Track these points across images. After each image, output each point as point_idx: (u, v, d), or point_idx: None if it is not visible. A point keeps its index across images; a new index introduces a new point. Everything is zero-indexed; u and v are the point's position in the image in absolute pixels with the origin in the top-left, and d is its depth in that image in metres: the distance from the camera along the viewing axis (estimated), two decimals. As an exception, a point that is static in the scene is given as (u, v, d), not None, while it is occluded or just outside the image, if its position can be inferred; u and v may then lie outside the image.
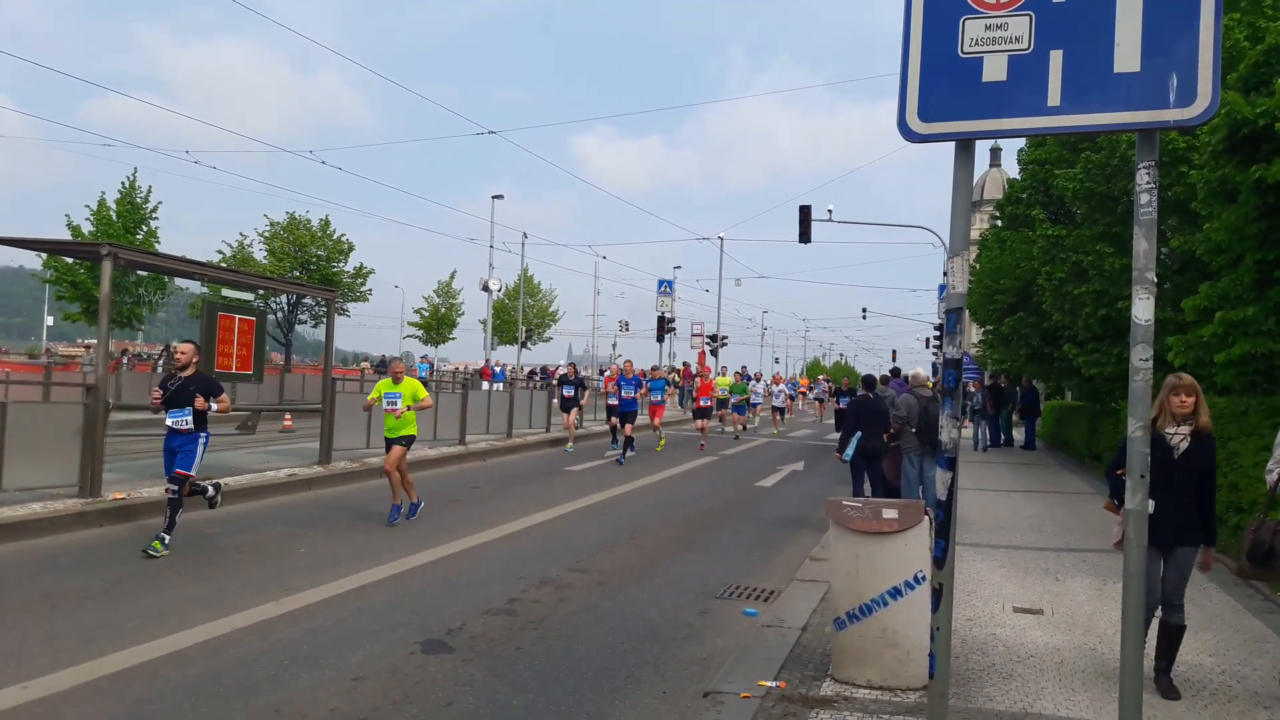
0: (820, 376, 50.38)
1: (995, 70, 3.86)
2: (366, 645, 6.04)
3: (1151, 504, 4.64)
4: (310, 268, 42.68)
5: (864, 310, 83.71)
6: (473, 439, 18.59)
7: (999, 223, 23.77)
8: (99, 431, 10.27)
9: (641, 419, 21.54)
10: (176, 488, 8.63)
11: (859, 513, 5.44)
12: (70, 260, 32.95)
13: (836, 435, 22.15)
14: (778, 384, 32.58)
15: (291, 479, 12.60)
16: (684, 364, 37.60)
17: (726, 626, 6.92)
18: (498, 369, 44.46)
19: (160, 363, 36.72)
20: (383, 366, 51.62)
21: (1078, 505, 13.53)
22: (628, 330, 72.25)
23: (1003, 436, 24.13)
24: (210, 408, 8.85)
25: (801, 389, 51.77)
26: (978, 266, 24.25)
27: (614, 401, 19.57)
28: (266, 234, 43.00)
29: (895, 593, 5.31)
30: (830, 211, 33.36)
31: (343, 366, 56.77)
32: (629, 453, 18.46)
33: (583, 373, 26.79)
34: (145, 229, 35.53)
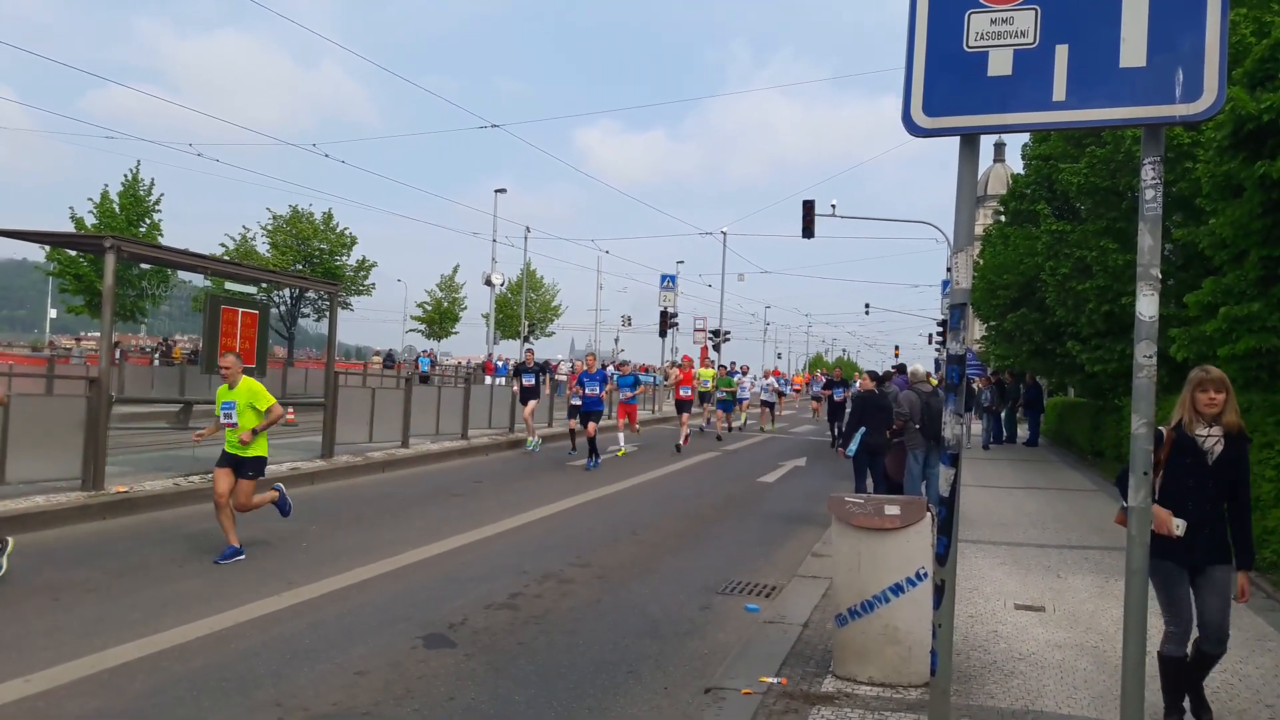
0: (819, 372, 49.55)
1: (1000, 64, 3.84)
2: (368, 639, 6.04)
3: (1183, 524, 4.44)
4: (313, 261, 42.73)
5: (867, 306, 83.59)
6: (474, 434, 18.60)
7: (1003, 218, 23.73)
8: (102, 425, 10.28)
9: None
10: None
11: (861, 509, 5.43)
12: (73, 253, 32.97)
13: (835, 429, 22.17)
14: (767, 378, 31.02)
15: (294, 473, 12.60)
16: (684, 357, 37.40)
17: (728, 622, 6.92)
18: (500, 363, 44.46)
19: (158, 356, 36.77)
20: (390, 361, 51.68)
21: (1080, 502, 13.52)
22: (630, 325, 72.42)
23: (1005, 433, 24.09)
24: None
25: (796, 385, 51.22)
26: (981, 262, 24.21)
27: (577, 401, 17.89)
28: (269, 227, 43.08)
29: (897, 589, 5.30)
30: (834, 206, 33.24)
31: (345, 360, 56.77)
32: (598, 459, 16.42)
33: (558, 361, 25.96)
34: (148, 222, 35.55)
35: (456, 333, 58.79)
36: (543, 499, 12.27)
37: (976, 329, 32.87)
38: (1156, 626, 6.48)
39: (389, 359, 53.20)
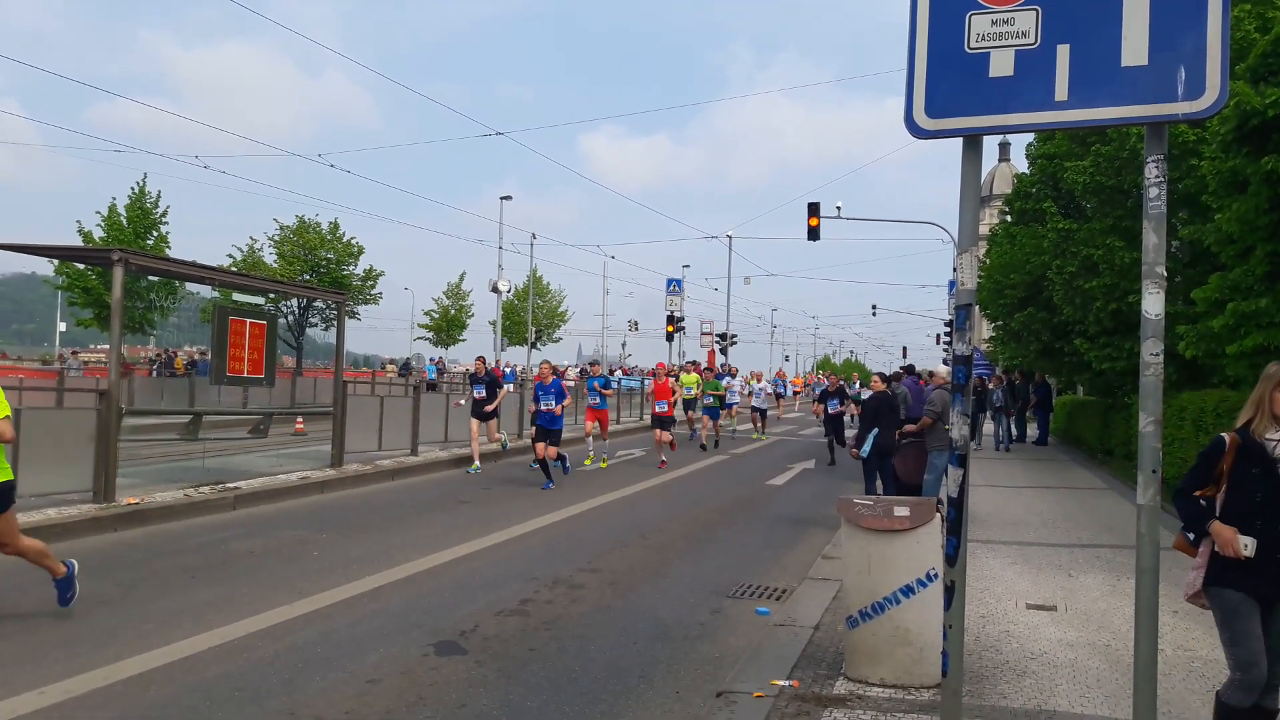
0: (822, 374, 48.96)
1: (1002, 65, 3.84)
2: (380, 647, 6.06)
3: (1252, 543, 3.83)
4: (320, 271, 42.83)
5: (874, 307, 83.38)
6: (482, 440, 18.59)
7: (1008, 218, 23.69)
8: (112, 437, 10.32)
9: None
10: None
11: (871, 511, 5.43)
12: (82, 266, 33.12)
13: (850, 435, 21.99)
14: (758, 380, 28.36)
15: (304, 482, 12.64)
16: (692, 362, 37.36)
17: (739, 625, 6.92)
18: (508, 370, 44.51)
19: (155, 369, 36.88)
20: (406, 369, 51.73)
21: (1090, 501, 13.48)
22: (637, 330, 72.42)
23: (1014, 433, 23.99)
24: None
25: (796, 387, 50.58)
26: (987, 262, 24.17)
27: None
28: (276, 238, 43.22)
29: (908, 590, 5.30)
30: (839, 208, 33.25)
31: (354, 369, 56.89)
32: (564, 473, 14.89)
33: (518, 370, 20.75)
34: (156, 234, 35.74)
35: (464, 340, 58.89)
36: (552, 505, 12.28)
37: (984, 328, 32.79)
38: (1169, 624, 6.49)
39: (405, 368, 53.27)
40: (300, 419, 21.78)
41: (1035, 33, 3.79)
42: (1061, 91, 3.75)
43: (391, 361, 64.12)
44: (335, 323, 17.98)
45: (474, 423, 16.27)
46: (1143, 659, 3.62)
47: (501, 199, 47.80)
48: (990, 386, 23.48)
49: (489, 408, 16.23)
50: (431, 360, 53.84)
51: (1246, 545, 3.85)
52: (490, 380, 16.38)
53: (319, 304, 41.76)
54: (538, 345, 59.10)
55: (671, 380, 20.29)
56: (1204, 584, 4.03)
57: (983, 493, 13.55)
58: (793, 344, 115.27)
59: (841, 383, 24.29)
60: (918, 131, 4.00)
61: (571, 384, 22.55)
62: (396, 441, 15.99)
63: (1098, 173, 15.71)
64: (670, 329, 41.29)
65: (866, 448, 11.47)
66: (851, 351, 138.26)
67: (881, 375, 12.93)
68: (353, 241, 44.16)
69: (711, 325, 50.45)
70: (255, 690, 5.21)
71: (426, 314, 57.32)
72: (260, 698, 5.10)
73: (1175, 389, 14.24)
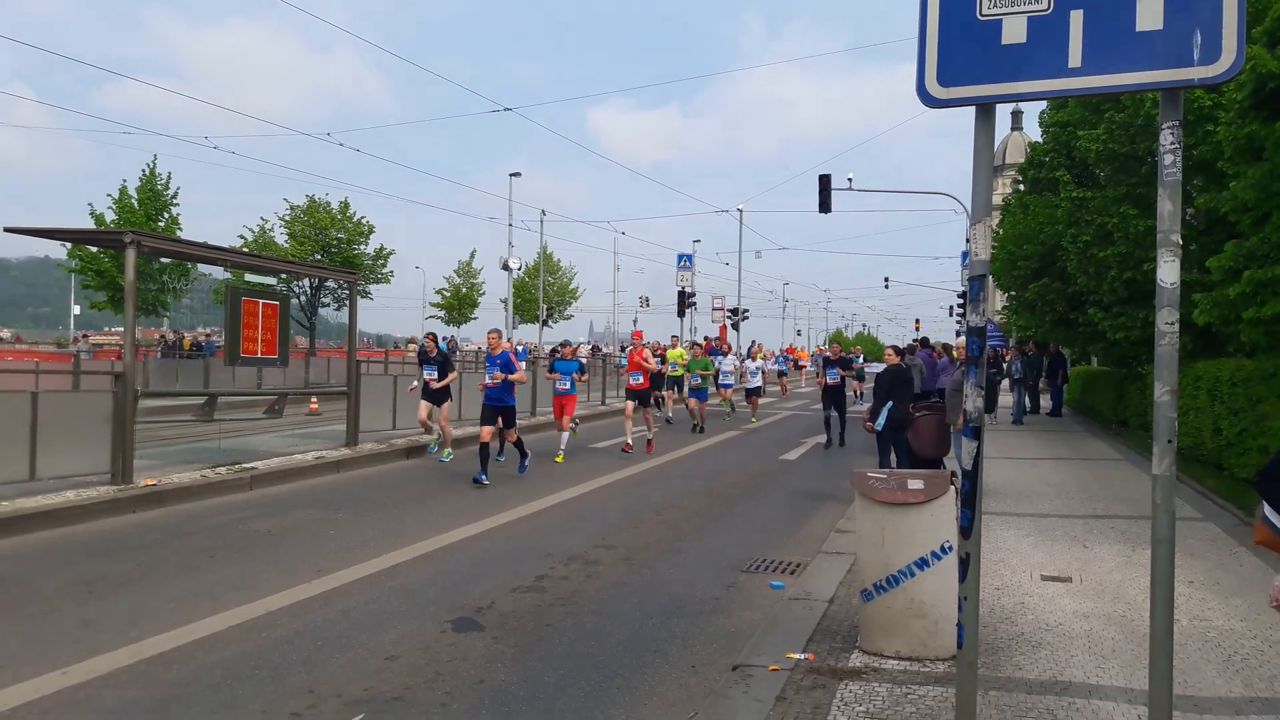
0: (831, 345, 47.89)
1: (1015, 32, 3.79)
2: (398, 624, 6.10)
3: None
4: (331, 250, 42.87)
5: (886, 279, 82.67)
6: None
7: (1021, 187, 23.49)
8: (129, 419, 10.39)
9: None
10: None
11: (884, 484, 5.43)
12: (95, 249, 33.24)
13: (861, 409, 21.93)
14: (754, 358, 25.86)
15: (319, 461, 12.71)
16: (705, 338, 37.25)
17: (753, 599, 6.94)
18: (520, 348, 44.57)
19: (159, 351, 37.02)
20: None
21: (1105, 471, 13.45)
22: (648, 306, 72.37)
23: (1027, 405, 23.87)
24: None
25: (802, 361, 49.51)
26: (1000, 232, 24.00)
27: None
28: (287, 218, 43.22)
29: (922, 563, 5.30)
30: (850, 180, 33.06)
31: (366, 349, 57.04)
32: (520, 471, 12.82)
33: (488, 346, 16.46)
34: (167, 215, 35.77)
35: (475, 318, 58.92)
36: (567, 481, 12.33)
37: (997, 299, 32.61)
38: (1184, 594, 6.48)
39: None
40: (315, 399, 21.88)
41: (1048, -2, 3.74)
42: (1075, 58, 3.69)
43: (412, 340, 63.86)
44: (347, 302, 18.00)
45: (424, 405, 14.46)
46: (1159, 629, 3.62)
47: (511, 176, 47.75)
48: (1009, 357, 23.21)
49: (438, 385, 14.23)
50: (445, 339, 53.94)
51: None
52: (443, 359, 14.64)
53: (331, 284, 41.84)
54: (549, 323, 59.15)
55: (646, 351, 17.78)
56: None
57: (997, 464, 13.52)
58: (805, 318, 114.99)
59: (846, 356, 22.64)
60: (930, 101, 3.96)
61: (584, 360, 21.22)
62: (411, 420, 16.03)
63: (1111, 140, 15.54)
64: (681, 305, 41.24)
65: (881, 421, 11.45)
66: (864, 325, 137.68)
67: (895, 348, 12.88)
68: (363, 221, 44.16)
69: (723, 300, 50.42)
70: (275, 668, 5.26)
71: (438, 292, 57.36)
72: (280, 675, 5.15)
73: (1190, 358, 14.16)
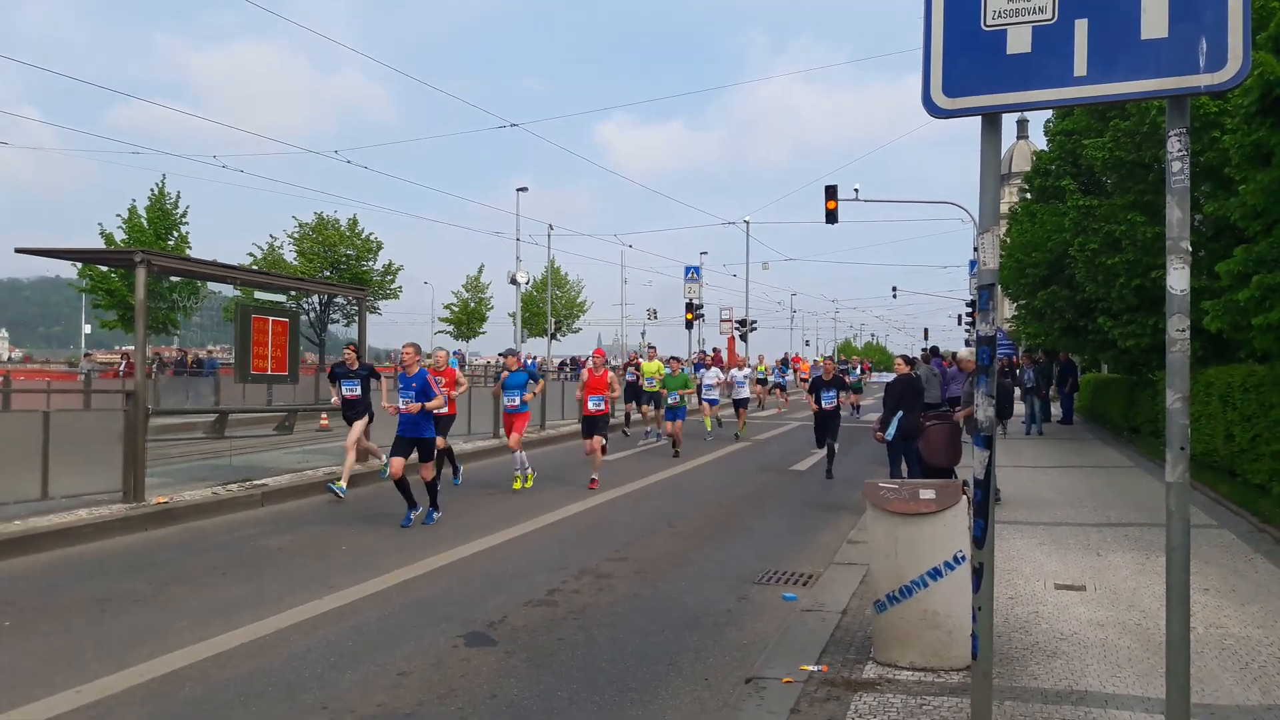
0: (823, 358, 45.66)
1: (1019, 42, 3.81)
2: (410, 640, 6.10)
3: None
4: (340, 267, 43.08)
5: (894, 289, 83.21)
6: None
7: (1028, 195, 23.48)
8: (140, 437, 10.42)
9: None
10: None
11: (896, 494, 5.42)
12: (105, 269, 33.43)
13: (874, 418, 21.80)
14: (740, 369, 23.50)
15: (330, 477, 12.71)
16: (714, 350, 37.18)
17: (766, 611, 6.92)
18: (529, 361, 44.60)
19: (157, 366, 37.08)
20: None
21: (1117, 479, 13.39)
22: (656, 318, 72.13)
23: (1037, 413, 23.70)
24: None
25: (803, 372, 46.06)
26: (1008, 240, 23.96)
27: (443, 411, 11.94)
28: (296, 235, 43.49)
29: (935, 573, 5.28)
30: (856, 190, 33.05)
31: (376, 364, 57.26)
32: (424, 511, 10.36)
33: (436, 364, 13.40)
34: (176, 234, 36.02)
35: (484, 332, 59.09)
36: (577, 495, 12.32)
37: (1006, 308, 32.54)
38: (1200, 602, 6.44)
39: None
40: (324, 415, 21.91)
41: (1052, 8, 3.75)
42: (1080, 67, 3.70)
43: (442, 350, 63.35)
44: (356, 318, 18.06)
45: (352, 429, 12.44)
46: (1175, 637, 3.60)
47: (518, 191, 47.83)
48: (1021, 364, 22.89)
49: (368, 411, 12.62)
50: (455, 353, 54.04)
51: None
52: (367, 373, 12.78)
53: (340, 300, 41.99)
54: (558, 336, 59.23)
55: (612, 375, 14.54)
56: None
57: (1008, 473, 13.47)
58: (813, 328, 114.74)
59: (841, 369, 20.64)
60: (936, 111, 3.97)
61: (536, 369, 19.36)
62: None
63: (1117, 148, 15.54)
64: (689, 316, 41.24)
65: (891, 431, 11.42)
66: (873, 334, 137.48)
67: (905, 357, 12.86)
68: (372, 237, 44.39)
69: (731, 312, 50.39)
70: (289, 685, 5.26)
71: (446, 307, 57.56)
72: (294, 693, 5.15)
73: (1201, 364, 14.11)
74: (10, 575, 7.77)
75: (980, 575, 3.93)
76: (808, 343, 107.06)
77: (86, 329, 64.33)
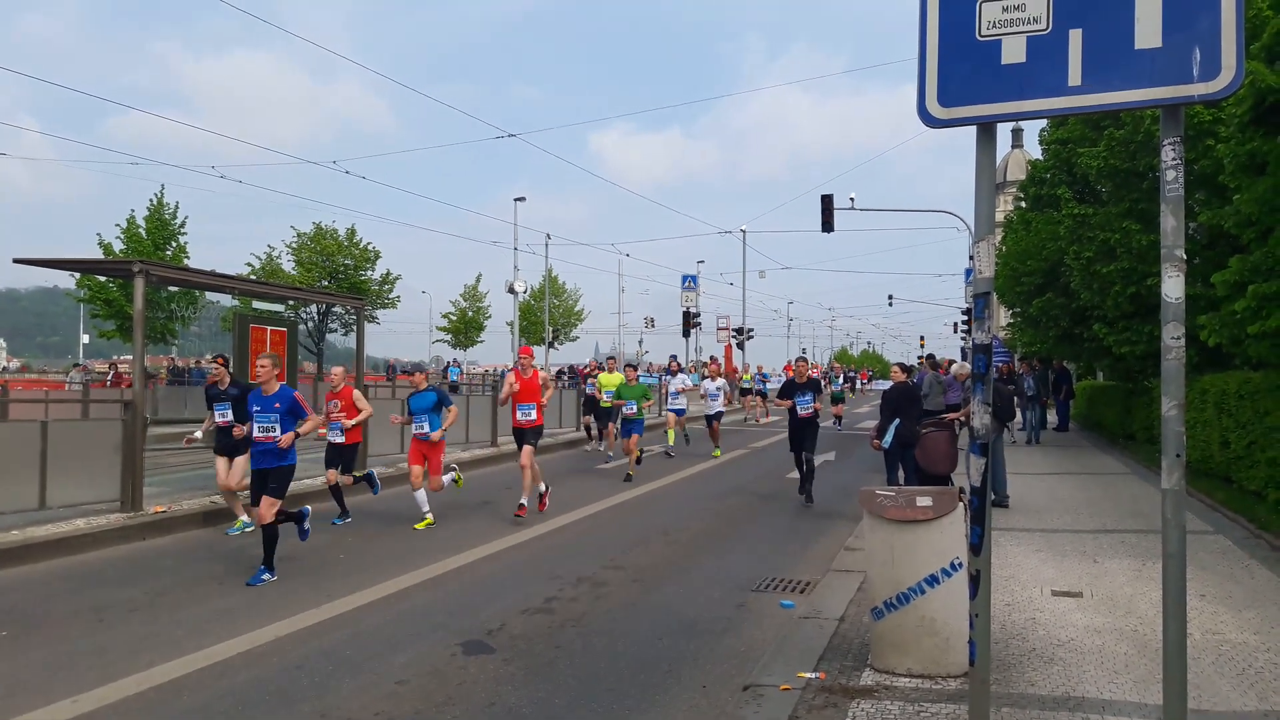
0: (796, 360, 45.15)
1: (1014, 52, 3.83)
2: (408, 648, 6.10)
3: None
4: (338, 277, 43.06)
5: (890, 297, 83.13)
6: (503, 440, 18.66)
7: (1024, 204, 23.54)
8: (138, 447, 10.42)
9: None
10: None
11: (893, 501, 5.43)
12: (103, 278, 33.43)
13: (871, 426, 21.85)
14: (714, 379, 20.31)
15: (327, 487, 12.69)
16: (712, 358, 37.18)
17: (764, 619, 6.93)
18: (504, 369, 44.60)
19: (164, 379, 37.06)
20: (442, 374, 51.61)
21: (1113, 486, 13.41)
22: (654, 326, 72.40)
23: (1031, 423, 23.62)
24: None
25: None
26: (1003, 249, 24.04)
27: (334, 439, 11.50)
28: (294, 245, 43.46)
29: (932, 580, 5.29)
30: (852, 199, 33.14)
31: (374, 374, 57.15)
32: (256, 578, 7.94)
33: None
34: (174, 244, 36.01)
35: (482, 341, 59.10)
36: (575, 503, 12.32)
37: (1002, 315, 32.60)
38: (1196, 608, 6.45)
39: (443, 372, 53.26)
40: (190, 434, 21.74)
41: (1047, 18, 3.78)
42: (1075, 76, 3.73)
43: (454, 360, 62.04)
44: (355, 328, 18.06)
45: (221, 463, 10.28)
46: (1172, 643, 3.61)
47: (515, 200, 47.94)
48: (1020, 372, 22.78)
49: (243, 445, 9.74)
50: (452, 362, 54.01)
51: None
52: (242, 391, 10.02)
53: (338, 309, 41.95)
54: (555, 345, 59.24)
55: (543, 375, 12.78)
56: None
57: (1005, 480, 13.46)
58: (809, 336, 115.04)
59: (816, 373, 18.92)
60: (931, 121, 3.99)
61: (444, 390, 18.88)
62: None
63: (1112, 156, 15.61)
64: (686, 325, 41.31)
65: (888, 438, 11.44)
66: (869, 342, 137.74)
67: (902, 365, 12.88)
68: (369, 246, 44.37)
69: (728, 320, 50.51)
70: (286, 694, 5.26)
71: (444, 316, 57.62)
72: (291, 701, 5.15)
73: (1196, 371, 14.14)
74: (8, 585, 7.76)
75: (977, 582, 3.94)
76: (804, 350, 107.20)
77: (85, 339, 64.43)
